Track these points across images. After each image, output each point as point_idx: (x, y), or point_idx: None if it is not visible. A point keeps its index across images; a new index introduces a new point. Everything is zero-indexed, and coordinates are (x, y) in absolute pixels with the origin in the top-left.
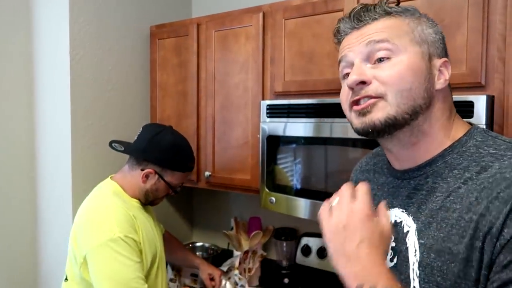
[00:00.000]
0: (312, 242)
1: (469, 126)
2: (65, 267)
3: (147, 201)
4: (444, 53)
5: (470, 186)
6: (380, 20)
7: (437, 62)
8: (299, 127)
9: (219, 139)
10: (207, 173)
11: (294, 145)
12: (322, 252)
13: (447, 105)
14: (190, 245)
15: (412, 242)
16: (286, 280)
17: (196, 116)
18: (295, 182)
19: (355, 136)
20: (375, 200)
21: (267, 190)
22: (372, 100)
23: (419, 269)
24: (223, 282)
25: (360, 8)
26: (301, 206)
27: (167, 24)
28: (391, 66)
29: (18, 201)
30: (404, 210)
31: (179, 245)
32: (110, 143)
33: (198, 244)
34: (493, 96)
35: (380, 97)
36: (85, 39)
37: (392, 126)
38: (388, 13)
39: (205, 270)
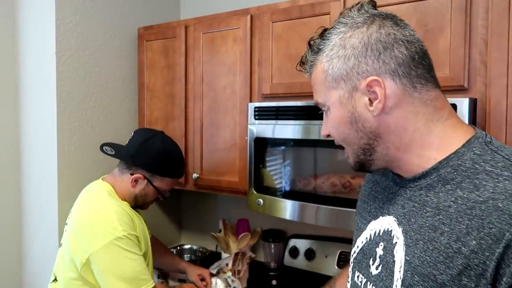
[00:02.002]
0: (300, 244)
1: (472, 132)
2: (54, 268)
3: (136, 205)
4: (377, 62)
5: (460, 207)
6: (311, 75)
7: (363, 89)
8: (288, 129)
9: (207, 141)
10: (195, 175)
11: (282, 147)
12: (310, 254)
13: (415, 118)
14: (178, 248)
15: (399, 257)
16: (274, 282)
17: (184, 118)
18: (283, 184)
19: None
20: (375, 203)
21: (254, 192)
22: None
23: (401, 287)
24: (214, 281)
25: (303, 56)
26: (289, 208)
27: (155, 26)
28: (328, 122)
29: (3, 203)
30: (396, 220)
31: (165, 250)
32: (101, 146)
33: (187, 246)
34: (475, 99)
35: (341, 145)
36: (72, 40)
37: (363, 166)
38: (312, 65)
39: (194, 272)
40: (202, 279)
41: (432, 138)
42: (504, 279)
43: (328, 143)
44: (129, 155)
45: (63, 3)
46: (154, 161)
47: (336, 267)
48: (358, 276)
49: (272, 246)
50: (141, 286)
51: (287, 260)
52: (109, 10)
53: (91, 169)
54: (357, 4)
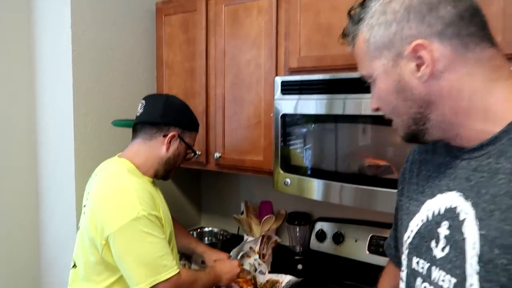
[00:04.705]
0: (328, 227)
1: None
2: (73, 253)
3: (165, 173)
4: (421, 24)
5: None
6: (354, 47)
7: (408, 55)
8: (317, 105)
9: (230, 119)
10: (216, 155)
11: (311, 124)
12: (338, 238)
13: (470, 79)
14: (198, 230)
15: (471, 233)
16: (299, 266)
17: (205, 95)
18: (312, 162)
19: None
20: (429, 182)
21: (281, 171)
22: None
23: (478, 265)
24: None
25: (344, 28)
26: (318, 188)
27: None
28: (375, 94)
29: (19, 184)
30: (461, 194)
31: (182, 231)
32: (112, 123)
33: (207, 229)
34: None
35: (390, 118)
36: (88, 15)
37: (415, 137)
38: (353, 36)
39: (211, 256)
40: None
41: (495, 99)
42: None
43: (364, 119)
44: (157, 116)
45: None
46: (182, 116)
47: (367, 252)
48: (417, 262)
49: (297, 230)
50: (162, 273)
51: (314, 244)
52: None
53: (108, 147)
54: None
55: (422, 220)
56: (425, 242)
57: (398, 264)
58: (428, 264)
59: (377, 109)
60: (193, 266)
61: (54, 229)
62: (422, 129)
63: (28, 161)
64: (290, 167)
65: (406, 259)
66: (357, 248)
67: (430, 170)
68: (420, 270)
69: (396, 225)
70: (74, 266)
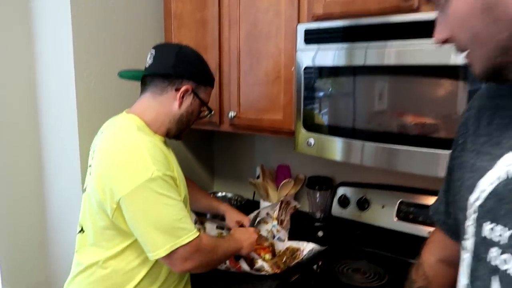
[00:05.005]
0: (351, 192)
1: None
2: (79, 218)
3: (177, 132)
4: None
5: None
6: None
7: None
8: (347, 55)
9: (246, 74)
10: (231, 114)
11: (338, 77)
12: (363, 204)
13: None
14: (212, 195)
15: None
16: (320, 233)
17: (218, 48)
18: (339, 120)
19: (419, 62)
20: (509, 131)
21: (303, 131)
22: (462, 54)
23: None
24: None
25: None
26: (345, 148)
27: None
28: (449, 19)
29: (21, 144)
30: None
31: (198, 190)
32: (119, 74)
33: (220, 194)
34: None
35: (464, 50)
36: None
37: (498, 73)
38: None
39: (232, 218)
40: (241, 226)
41: None
42: None
43: (402, 70)
44: (169, 67)
45: None
46: (197, 68)
47: (396, 219)
48: (492, 229)
49: (318, 195)
50: (181, 237)
51: (336, 210)
52: None
53: (115, 102)
54: None
55: (499, 178)
56: (505, 205)
57: (450, 231)
58: (510, 232)
59: (445, 41)
60: (208, 233)
61: (59, 190)
62: (510, 61)
63: (28, 118)
64: (314, 126)
65: (474, 224)
66: (384, 215)
67: (508, 117)
68: (496, 239)
69: (448, 186)
70: (82, 231)
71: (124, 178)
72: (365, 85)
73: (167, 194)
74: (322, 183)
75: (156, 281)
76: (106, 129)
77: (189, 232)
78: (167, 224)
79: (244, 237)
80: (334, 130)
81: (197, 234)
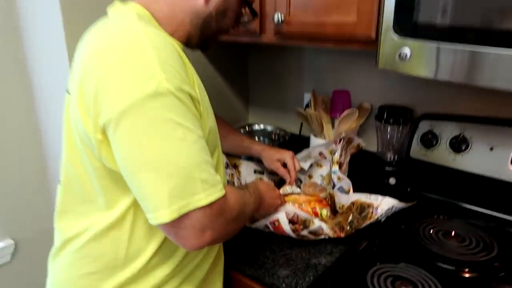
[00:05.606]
0: (442, 128)
1: None
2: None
3: (202, 39)
4: None
5: None
6: None
7: None
8: None
9: None
10: (277, 16)
11: None
12: (460, 144)
13: None
14: (247, 128)
15: None
16: (392, 181)
17: None
18: (457, 17)
19: None
20: None
21: (395, 36)
22: None
23: None
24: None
25: None
26: (467, 62)
27: None
28: None
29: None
30: None
31: (227, 127)
32: None
33: (257, 127)
34: None
35: None
36: None
37: None
38: None
39: (271, 157)
40: (284, 165)
41: None
42: None
43: None
44: None
45: None
46: None
47: (511, 167)
48: None
49: (389, 130)
50: (197, 194)
51: (417, 151)
52: None
53: None
54: None
55: None
56: None
57: None
58: None
59: None
60: (243, 179)
61: (46, 94)
62: None
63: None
64: (413, 28)
65: None
66: (493, 160)
67: None
68: None
69: None
70: (63, 182)
71: (115, 90)
72: None
73: (181, 121)
74: (398, 115)
75: (173, 256)
76: (94, 25)
77: (210, 188)
78: (177, 170)
79: (270, 194)
80: (447, 33)
81: (223, 192)
